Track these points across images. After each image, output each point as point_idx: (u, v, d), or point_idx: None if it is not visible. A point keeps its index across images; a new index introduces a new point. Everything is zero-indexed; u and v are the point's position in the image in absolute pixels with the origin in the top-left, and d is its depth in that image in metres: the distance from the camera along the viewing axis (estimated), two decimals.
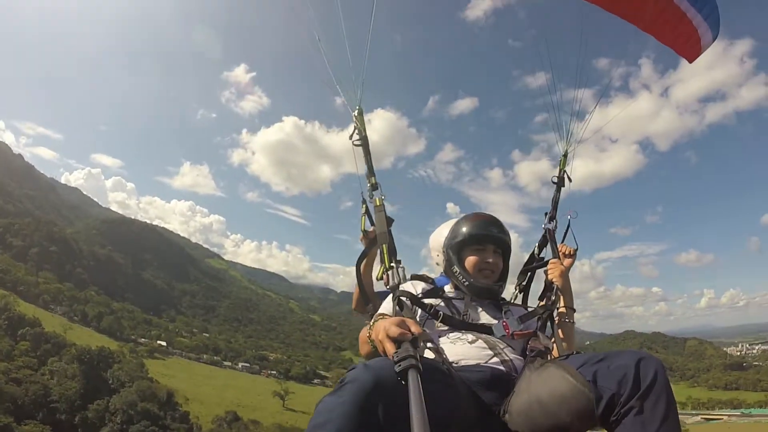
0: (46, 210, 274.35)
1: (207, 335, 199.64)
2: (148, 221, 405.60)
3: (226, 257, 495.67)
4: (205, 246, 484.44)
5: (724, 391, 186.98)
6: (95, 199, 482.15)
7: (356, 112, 3.73)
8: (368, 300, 3.65)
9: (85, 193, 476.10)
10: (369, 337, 2.23)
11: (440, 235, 3.56)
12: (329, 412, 1.68)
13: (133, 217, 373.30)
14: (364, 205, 3.62)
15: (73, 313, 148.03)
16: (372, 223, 3.56)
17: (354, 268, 3.77)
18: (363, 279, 3.74)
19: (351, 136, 3.69)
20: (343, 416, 1.64)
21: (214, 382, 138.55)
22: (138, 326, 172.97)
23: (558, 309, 3.19)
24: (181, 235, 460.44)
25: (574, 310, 3.27)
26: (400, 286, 3.05)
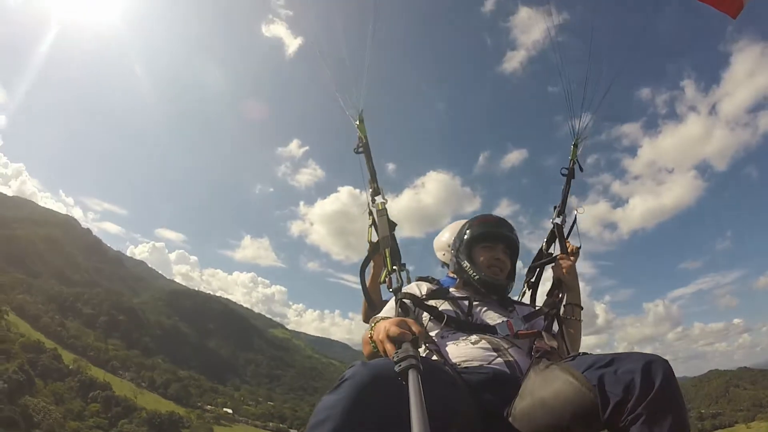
0: (113, 281, 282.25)
1: (272, 404, 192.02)
2: (211, 293, 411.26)
3: (289, 327, 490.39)
4: (267, 316, 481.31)
5: None
6: (160, 272, 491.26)
7: (357, 120, 3.88)
8: (375, 308, 3.57)
9: (150, 265, 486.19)
10: (370, 338, 2.20)
11: (443, 235, 3.89)
12: (329, 410, 1.63)
13: (196, 289, 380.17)
14: (370, 217, 3.69)
15: (141, 379, 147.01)
16: (378, 235, 3.59)
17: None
18: (370, 288, 3.77)
19: (355, 147, 3.82)
20: (342, 413, 1.60)
21: None
22: (204, 394, 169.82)
23: (564, 306, 3.14)
24: (244, 305, 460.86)
25: (581, 308, 3.16)
26: (405, 287, 3.06)
